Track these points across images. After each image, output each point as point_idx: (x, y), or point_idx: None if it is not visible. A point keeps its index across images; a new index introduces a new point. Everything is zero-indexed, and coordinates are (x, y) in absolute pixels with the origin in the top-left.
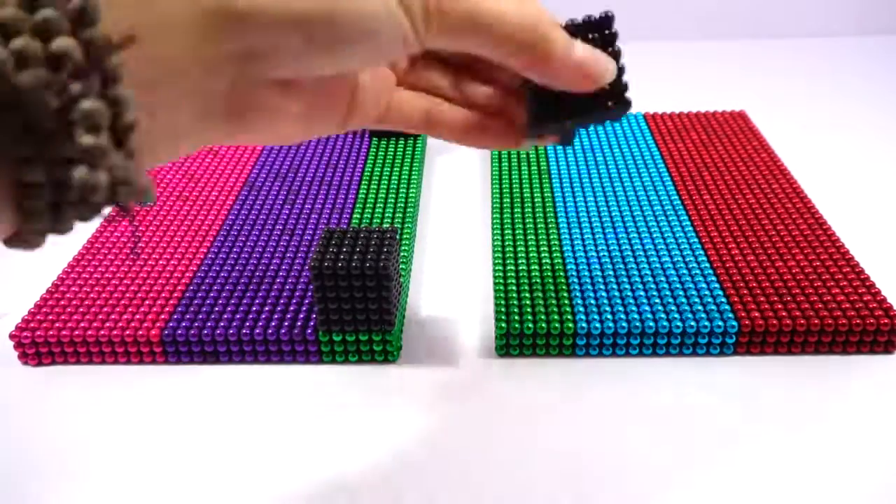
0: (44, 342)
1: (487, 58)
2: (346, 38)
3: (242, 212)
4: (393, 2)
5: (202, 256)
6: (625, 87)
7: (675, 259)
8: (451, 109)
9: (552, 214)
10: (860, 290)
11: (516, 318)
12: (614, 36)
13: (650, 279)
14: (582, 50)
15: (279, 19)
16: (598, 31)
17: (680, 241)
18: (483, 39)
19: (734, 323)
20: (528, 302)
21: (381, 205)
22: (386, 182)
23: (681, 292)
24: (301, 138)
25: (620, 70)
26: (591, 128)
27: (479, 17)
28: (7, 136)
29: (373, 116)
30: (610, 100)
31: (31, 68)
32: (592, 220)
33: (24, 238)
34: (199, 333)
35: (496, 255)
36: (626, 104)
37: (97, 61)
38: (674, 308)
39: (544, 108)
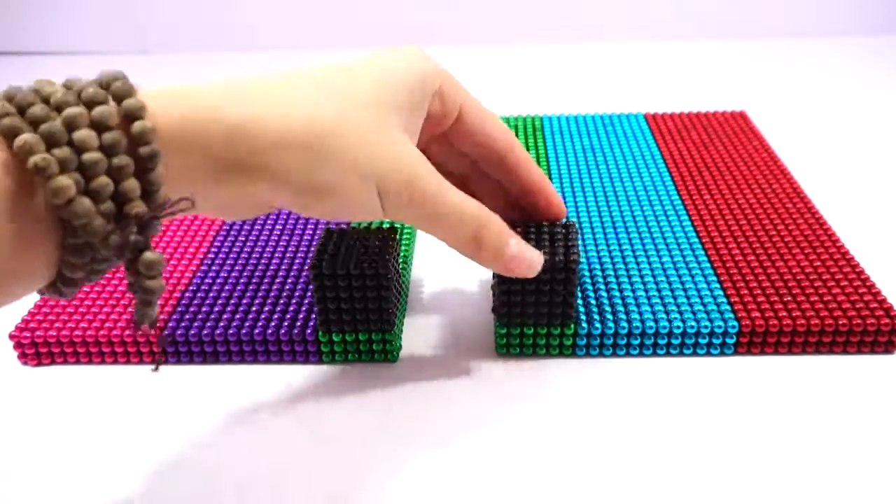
0: (43, 342)
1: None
2: (333, 207)
3: None
4: (375, 194)
5: (202, 256)
6: (570, 300)
7: (675, 259)
8: None
9: None
10: (860, 290)
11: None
12: (575, 239)
13: (650, 279)
14: (514, 247)
15: (290, 188)
16: (563, 233)
17: (680, 241)
18: (436, 230)
19: (734, 323)
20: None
21: None
22: None
23: (681, 292)
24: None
25: (569, 291)
26: (591, 128)
27: (435, 215)
28: (78, 254)
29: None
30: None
31: (101, 205)
32: (592, 220)
33: (59, 290)
34: (199, 333)
35: None
36: (570, 312)
37: (155, 214)
38: (674, 308)
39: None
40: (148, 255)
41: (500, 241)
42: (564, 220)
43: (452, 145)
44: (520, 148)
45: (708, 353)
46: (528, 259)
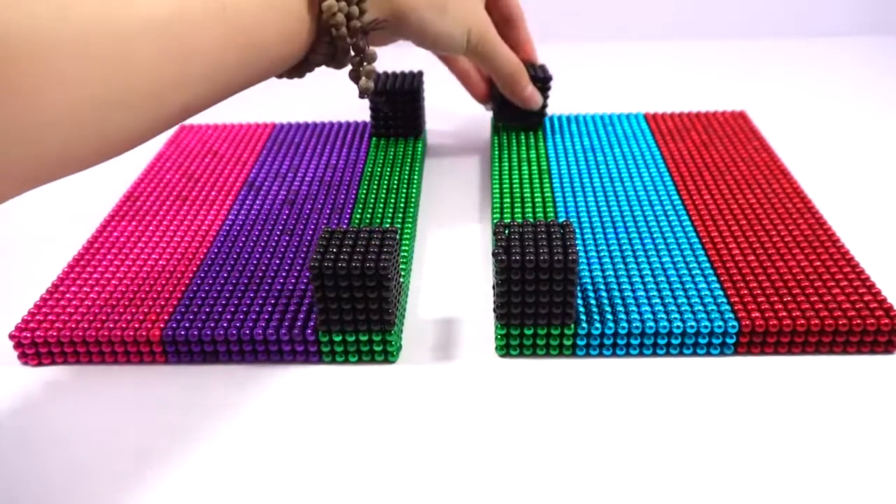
0: (43, 342)
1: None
2: (436, 43)
3: (242, 212)
4: (463, 35)
5: (202, 256)
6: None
7: (675, 259)
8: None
9: (552, 214)
10: (860, 290)
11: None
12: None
13: (650, 279)
14: (530, 91)
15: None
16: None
17: (680, 241)
18: (492, 68)
19: (734, 323)
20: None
21: (381, 205)
22: (386, 182)
23: (681, 292)
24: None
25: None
26: (591, 127)
27: (494, 59)
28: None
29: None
30: (535, 113)
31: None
32: (592, 220)
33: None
34: (199, 333)
35: None
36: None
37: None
38: (674, 308)
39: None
40: (368, 66)
41: (527, 82)
42: (561, 220)
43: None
44: (520, 9)
45: (708, 353)
46: (537, 99)
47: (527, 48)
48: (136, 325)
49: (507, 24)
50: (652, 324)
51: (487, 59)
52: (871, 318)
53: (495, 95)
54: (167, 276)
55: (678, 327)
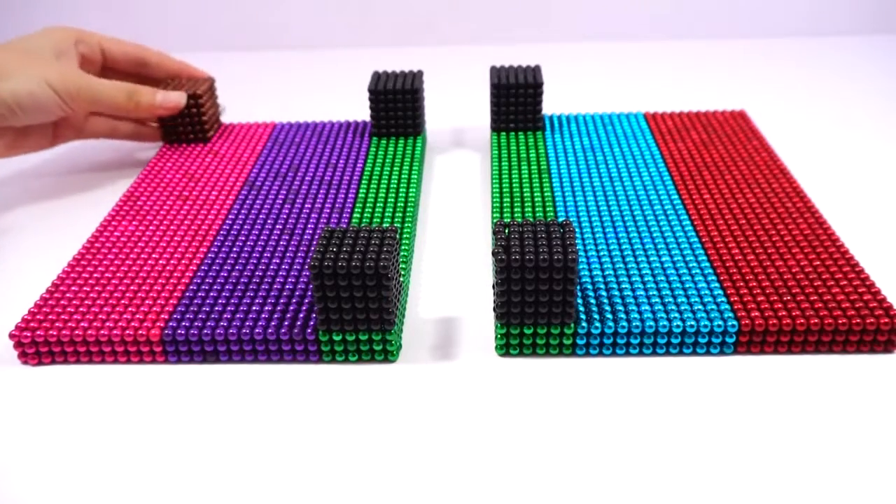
0: (44, 342)
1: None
2: (27, 110)
3: (242, 212)
4: (45, 87)
5: (202, 256)
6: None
7: (675, 259)
8: (123, 125)
9: (552, 214)
10: (860, 290)
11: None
12: (572, 238)
13: (650, 279)
14: (160, 98)
15: None
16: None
17: (680, 241)
18: (108, 102)
19: (734, 323)
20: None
21: (381, 205)
22: (386, 182)
23: (681, 292)
24: (15, 154)
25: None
26: (591, 127)
27: (100, 94)
28: None
29: (72, 136)
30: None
31: None
32: (592, 219)
33: None
34: (199, 333)
35: None
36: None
37: None
38: (674, 308)
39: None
40: None
41: (150, 95)
42: (561, 219)
43: (118, 70)
44: (151, 51)
45: (708, 353)
46: (174, 98)
47: (185, 70)
48: (136, 325)
49: (144, 68)
50: (652, 323)
51: (95, 98)
52: (871, 317)
53: (492, 104)
54: (167, 276)
55: (678, 326)
